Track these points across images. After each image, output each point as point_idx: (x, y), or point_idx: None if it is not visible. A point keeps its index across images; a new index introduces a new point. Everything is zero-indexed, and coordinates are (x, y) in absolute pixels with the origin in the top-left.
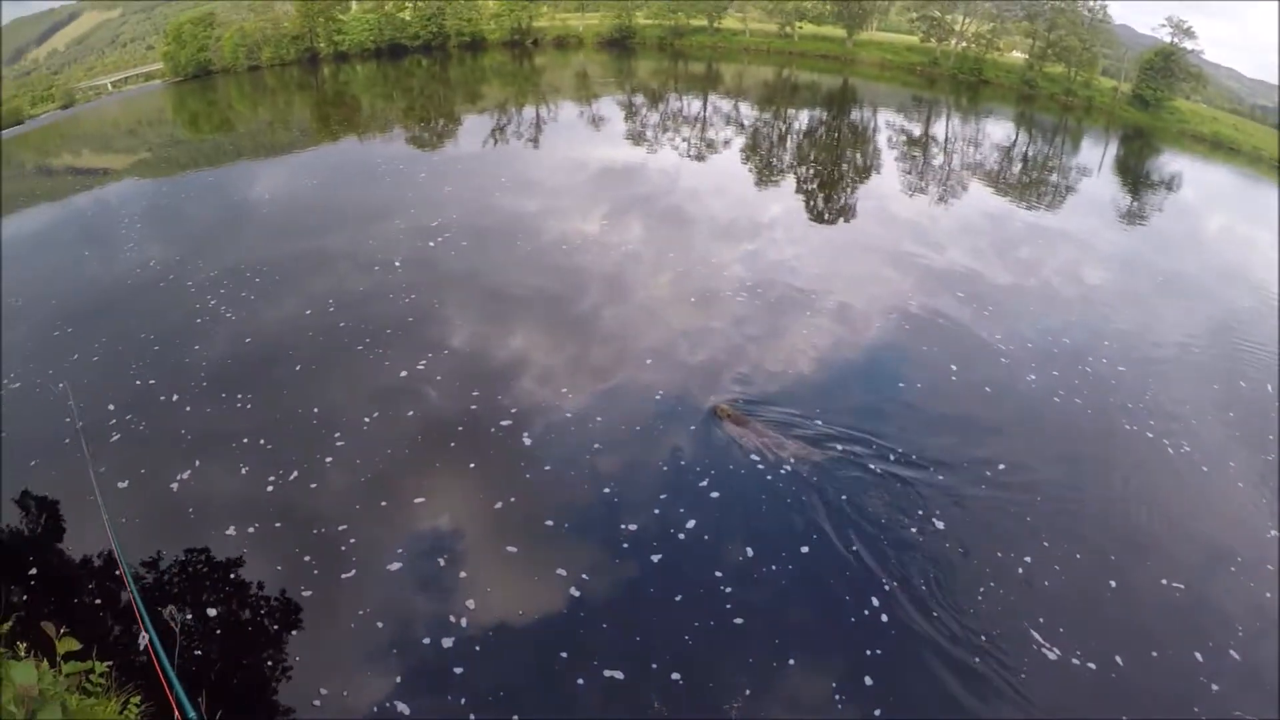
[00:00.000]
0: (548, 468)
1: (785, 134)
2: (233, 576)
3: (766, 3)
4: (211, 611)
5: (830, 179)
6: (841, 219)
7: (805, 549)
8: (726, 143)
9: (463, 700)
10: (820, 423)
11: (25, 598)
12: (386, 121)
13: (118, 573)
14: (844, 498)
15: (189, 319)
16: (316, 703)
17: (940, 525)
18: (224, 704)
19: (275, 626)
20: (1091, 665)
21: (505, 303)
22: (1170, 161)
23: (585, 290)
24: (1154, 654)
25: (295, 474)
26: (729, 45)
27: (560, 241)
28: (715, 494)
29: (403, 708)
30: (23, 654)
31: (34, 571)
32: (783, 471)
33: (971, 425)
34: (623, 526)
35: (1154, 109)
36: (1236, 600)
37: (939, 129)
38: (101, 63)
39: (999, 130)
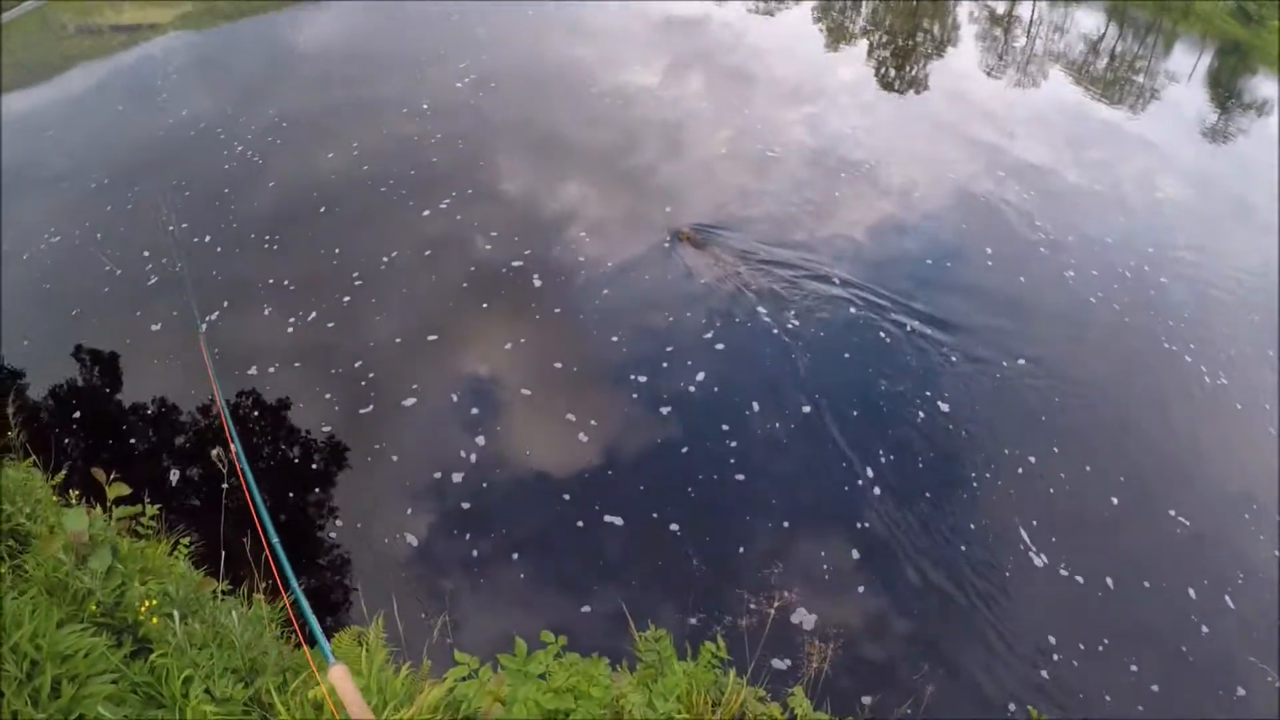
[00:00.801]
0: (580, 316)
1: None
2: (256, 414)
3: None
4: (205, 441)
5: (904, 49)
6: (912, 91)
7: (808, 408)
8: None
9: (467, 535)
10: (845, 278)
11: (77, 446)
12: None
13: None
14: (853, 359)
15: (219, 166)
16: (333, 534)
17: (945, 408)
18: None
19: (295, 461)
20: (1079, 579)
21: (547, 152)
22: (1264, 84)
23: (636, 144)
24: (1145, 584)
25: (314, 314)
26: None
27: (614, 92)
28: (720, 346)
29: (411, 539)
30: (75, 501)
31: (79, 416)
32: (790, 327)
33: (999, 311)
34: (632, 377)
35: (1256, 25)
36: (1242, 547)
37: (1024, 9)
38: None
39: (1088, 20)
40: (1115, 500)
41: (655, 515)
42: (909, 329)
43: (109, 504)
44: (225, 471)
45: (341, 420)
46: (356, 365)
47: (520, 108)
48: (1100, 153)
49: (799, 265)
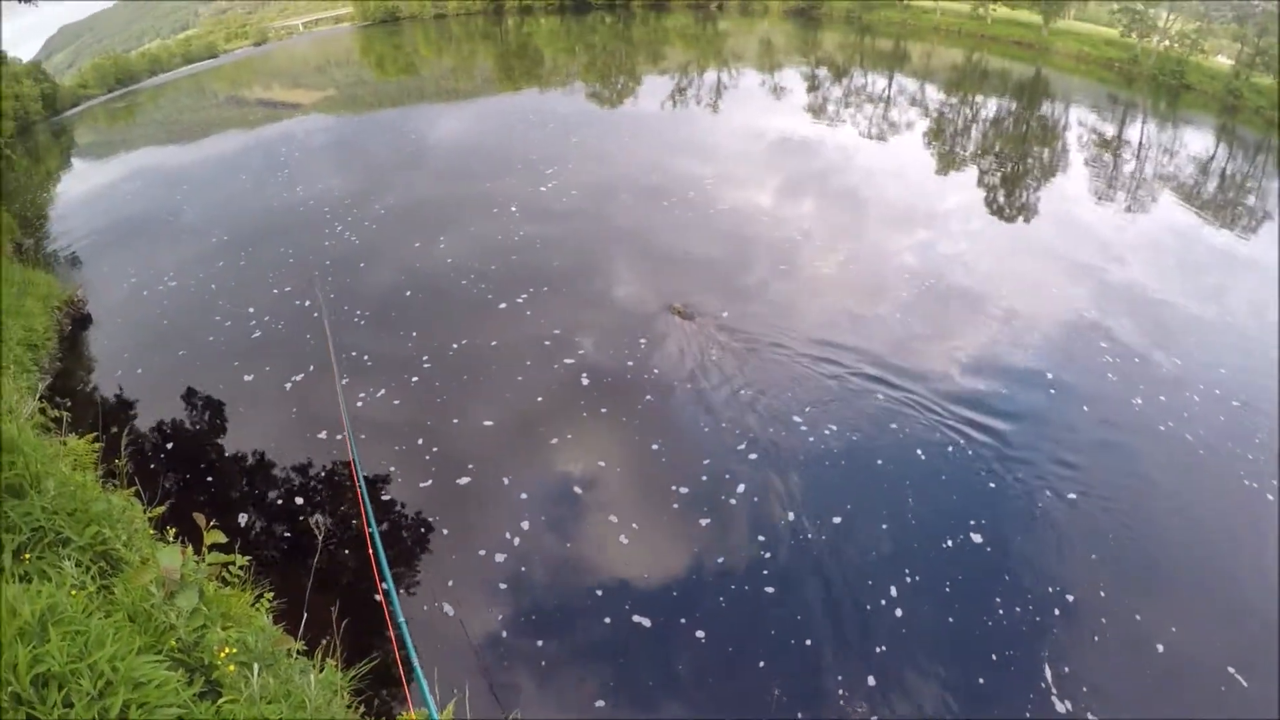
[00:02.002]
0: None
1: (970, 121)
2: (325, 477)
3: None
4: (297, 499)
5: (1013, 174)
6: (1021, 217)
7: (838, 519)
8: (909, 125)
9: (499, 616)
10: (928, 397)
11: (176, 483)
12: (567, 75)
13: (351, 487)
14: (897, 472)
15: (321, 241)
16: (377, 596)
17: (978, 538)
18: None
19: (354, 522)
20: None
21: (660, 261)
22: None
23: (750, 261)
24: None
25: (383, 390)
26: (918, 23)
27: (730, 209)
28: (754, 456)
29: (449, 609)
30: (171, 539)
31: (180, 454)
32: (881, 444)
33: (1081, 445)
34: (674, 488)
35: None
36: None
37: (1133, 133)
38: (294, 5)
39: (1198, 141)
40: (1161, 648)
41: (683, 621)
42: (965, 445)
43: (204, 547)
44: (320, 538)
45: (402, 491)
46: (419, 442)
47: (606, 217)
48: (1212, 278)
49: (888, 383)
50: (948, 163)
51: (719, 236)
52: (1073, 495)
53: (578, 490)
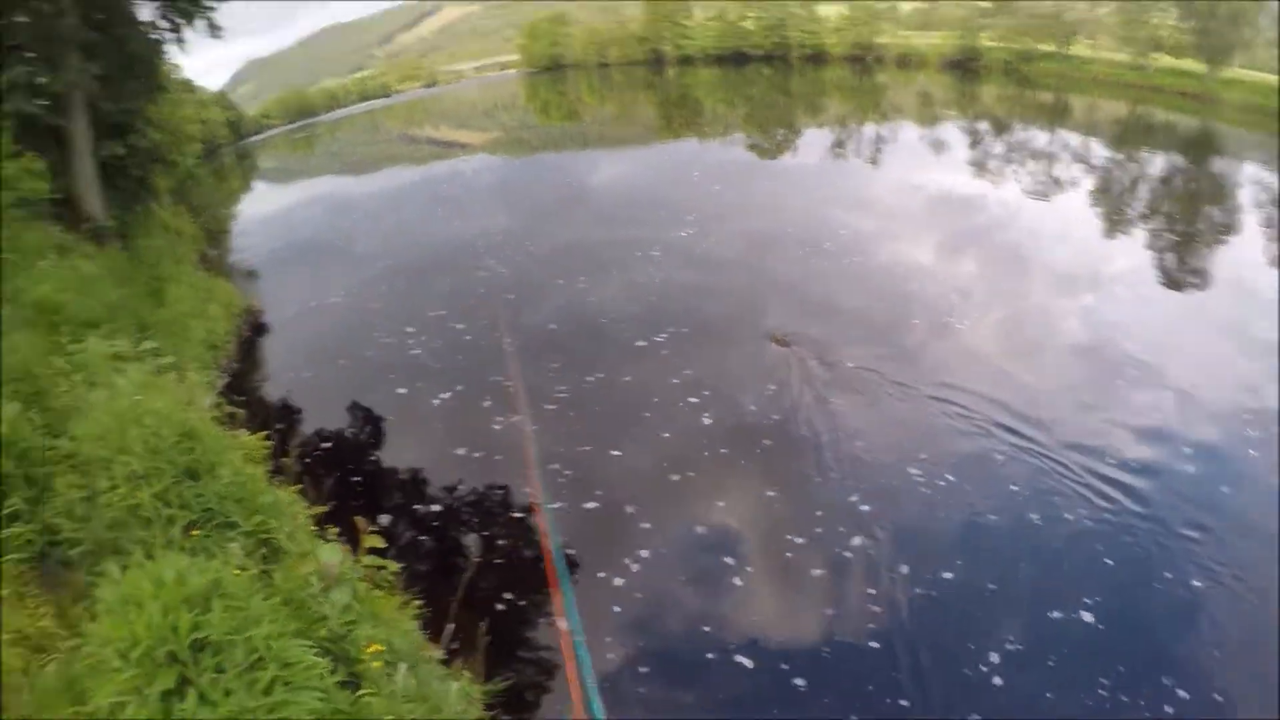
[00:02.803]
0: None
1: (1137, 179)
2: (460, 492)
3: (1119, 30)
4: (435, 507)
5: (1184, 236)
6: (1194, 285)
7: (948, 575)
8: (1073, 182)
9: (608, 638)
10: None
11: (337, 486)
12: (726, 126)
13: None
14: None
15: (474, 273)
16: (500, 606)
17: (1089, 617)
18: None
19: (486, 533)
20: None
21: (804, 311)
22: None
23: (905, 320)
24: None
25: (519, 416)
26: (1078, 74)
27: (889, 264)
28: (866, 507)
29: (562, 624)
30: (332, 537)
31: (340, 457)
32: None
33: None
34: (788, 536)
35: None
36: None
37: None
38: (463, 50)
39: None
40: None
41: (784, 666)
42: (1087, 515)
43: (361, 549)
44: (474, 560)
45: (535, 512)
46: (552, 466)
47: (757, 266)
48: None
49: (1015, 440)
50: (1113, 223)
51: (871, 290)
52: (1198, 583)
53: (698, 529)
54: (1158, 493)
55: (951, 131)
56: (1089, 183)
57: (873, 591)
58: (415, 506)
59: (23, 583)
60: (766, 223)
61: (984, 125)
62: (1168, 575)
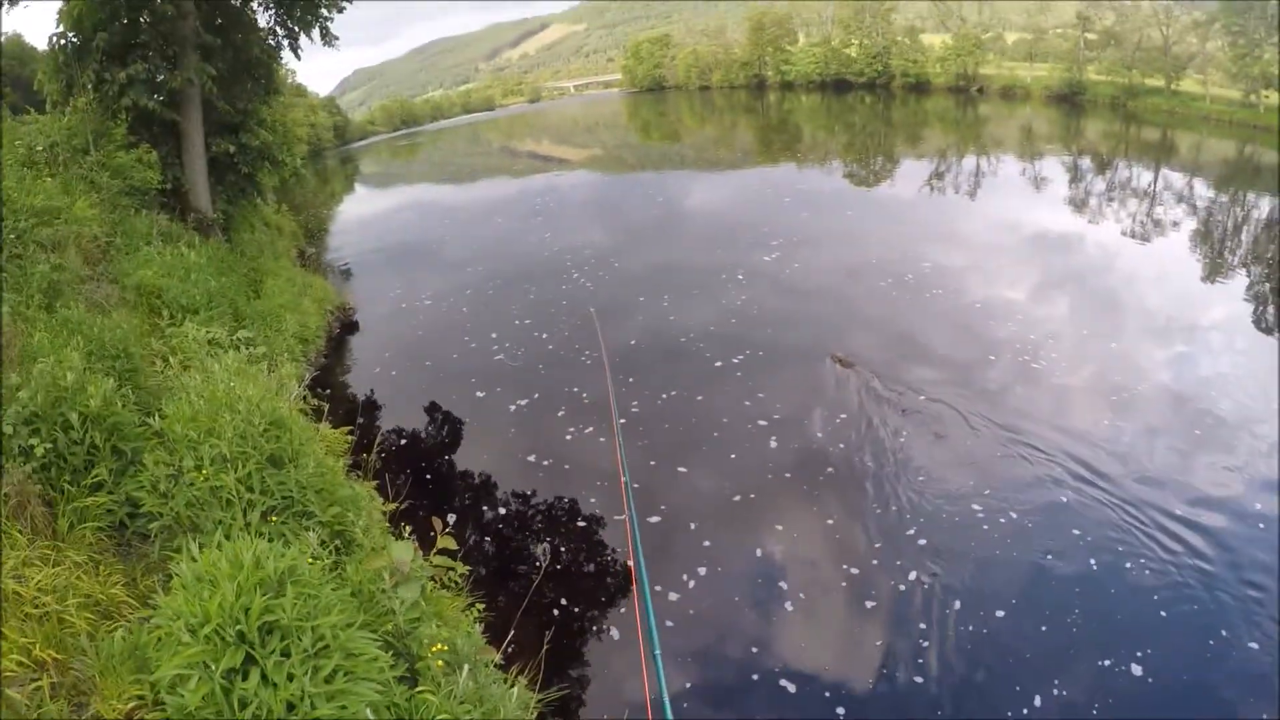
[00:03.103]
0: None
1: (1242, 223)
2: (532, 500)
3: (1229, 66)
4: (502, 510)
5: None
6: None
7: (1000, 613)
8: (1175, 224)
9: (658, 651)
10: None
11: (413, 486)
12: (825, 153)
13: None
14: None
15: (559, 285)
16: (560, 613)
17: (1138, 670)
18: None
19: (550, 541)
20: None
21: (885, 344)
22: None
23: (985, 357)
24: None
25: (591, 428)
26: (1186, 111)
27: (976, 301)
28: (923, 540)
29: (614, 633)
30: (405, 536)
31: (423, 466)
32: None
33: None
34: (844, 566)
35: None
36: None
37: None
38: (566, 68)
39: None
40: None
41: (827, 694)
42: (1145, 564)
43: (434, 550)
44: (541, 568)
45: (600, 521)
46: (621, 479)
47: (843, 295)
48: None
49: (1082, 484)
50: (1214, 269)
51: (954, 326)
52: (1254, 645)
53: (756, 551)
54: (1224, 551)
55: (1052, 167)
56: (1190, 225)
57: (923, 626)
58: (483, 509)
59: (98, 549)
60: (853, 252)
61: (1086, 161)
62: (1224, 634)
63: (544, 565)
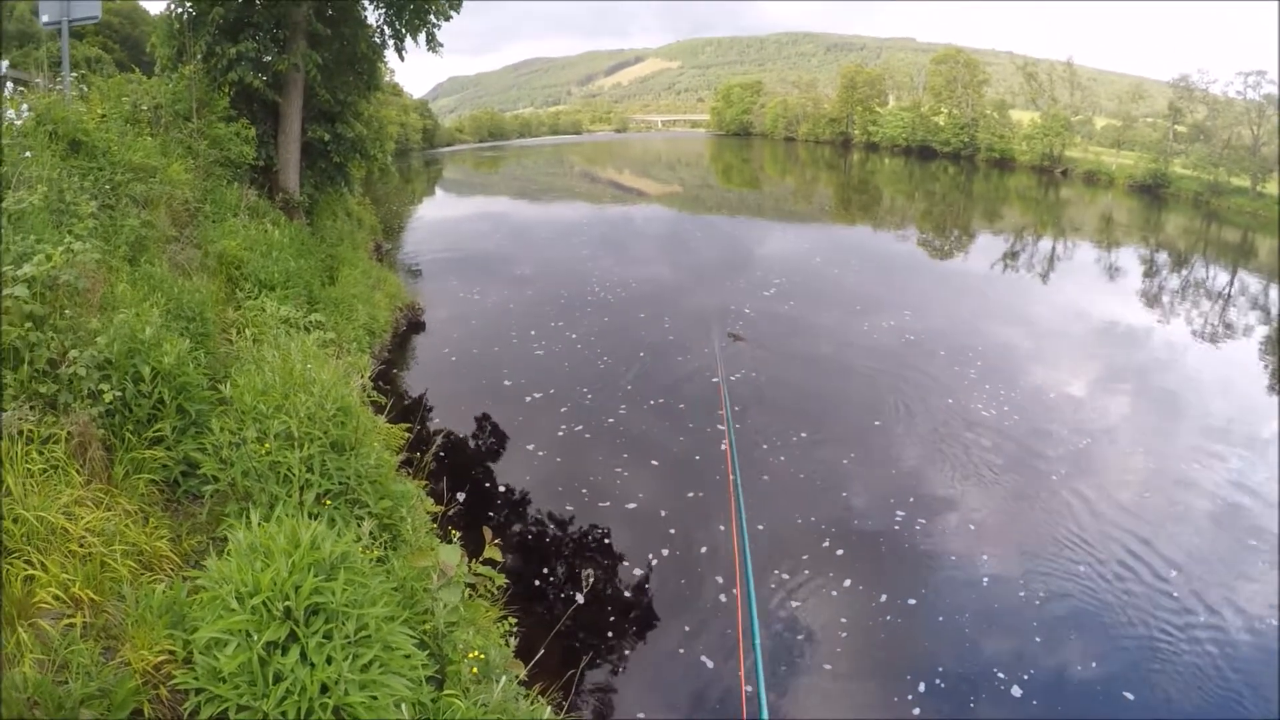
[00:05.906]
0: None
1: None
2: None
3: None
4: (535, 529)
5: None
6: None
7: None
8: (1247, 330)
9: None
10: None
11: (456, 490)
12: (902, 218)
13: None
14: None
15: (585, 295)
16: (583, 637)
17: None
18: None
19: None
20: None
21: (928, 421)
22: None
23: (1040, 454)
24: None
25: (631, 468)
26: (1269, 214)
27: (1033, 388)
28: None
29: (640, 671)
30: (453, 539)
31: (468, 477)
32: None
33: None
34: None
35: None
36: None
37: None
38: (656, 102)
39: None
40: None
41: None
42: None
43: (479, 559)
44: (585, 589)
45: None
46: (661, 514)
47: (897, 365)
48: None
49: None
50: None
51: (1007, 413)
52: None
53: (781, 574)
54: (1245, 684)
55: (1128, 258)
56: (1262, 331)
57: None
58: (522, 526)
59: (149, 501)
60: (915, 323)
61: (1163, 256)
62: None
63: (577, 592)
